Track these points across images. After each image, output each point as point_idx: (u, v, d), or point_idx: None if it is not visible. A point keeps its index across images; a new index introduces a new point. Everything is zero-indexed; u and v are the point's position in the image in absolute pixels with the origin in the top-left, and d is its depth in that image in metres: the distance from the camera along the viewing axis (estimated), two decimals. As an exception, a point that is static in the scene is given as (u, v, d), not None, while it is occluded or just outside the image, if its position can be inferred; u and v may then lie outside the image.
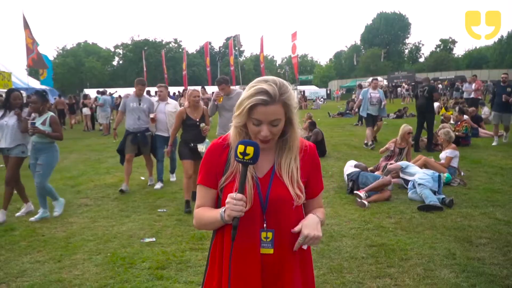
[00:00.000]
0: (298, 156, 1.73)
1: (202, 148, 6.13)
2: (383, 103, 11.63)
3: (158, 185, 7.61)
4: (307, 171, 1.76)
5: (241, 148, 1.57)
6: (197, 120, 6.16)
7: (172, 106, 7.77)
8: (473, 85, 18.06)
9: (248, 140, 1.64)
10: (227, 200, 1.57)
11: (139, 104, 7.36)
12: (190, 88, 5.56)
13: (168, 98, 8.04)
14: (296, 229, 1.65)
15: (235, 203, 1.54)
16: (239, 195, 1.56)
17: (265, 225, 1.67)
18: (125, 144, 7.34)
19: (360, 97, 12.07)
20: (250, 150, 1.57)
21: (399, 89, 39.80)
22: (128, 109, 7.46)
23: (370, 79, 43.54)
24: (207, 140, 6.36)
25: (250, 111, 1.62)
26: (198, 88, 14.45)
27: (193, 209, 1.83)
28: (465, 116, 12.16)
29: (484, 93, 25.39)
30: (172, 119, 7.20)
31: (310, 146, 1.80)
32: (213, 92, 21.85)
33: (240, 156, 1.58)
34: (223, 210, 1.62)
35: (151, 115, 7.35)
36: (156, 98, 8.04)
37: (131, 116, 7.42)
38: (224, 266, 1.68)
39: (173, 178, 8.23)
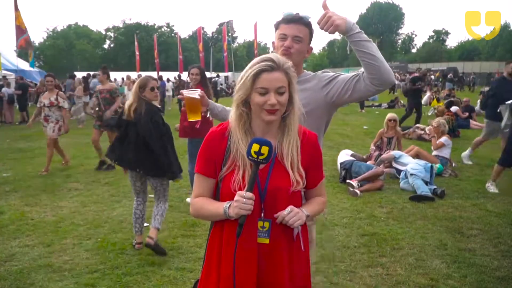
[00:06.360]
0: (298, 139, 1.70)
1: None
2: None
3: None
4: (307, 160, 1.72)
5: (256, 147, 1.53)
6: None
7: None
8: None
9: (262, 138, 1.58)
10: (236, 198, 1.54)
11: None
12: None
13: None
14: (280, 217, 1.62)
15: (244, 201, 1.52)
16: (249, 194, 1.53)
17: (262, 214, 1.64)
18: None
19: None
20: (265, 150, 1.53)
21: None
22: None
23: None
24: None
25: (255, 80, 1.59)
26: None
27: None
28: (453, 108, 12.37)
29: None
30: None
31: (311, 135, 1.77)
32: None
33: (254, 156, 1.53)
34: (228, 205, 1.59)
35: None
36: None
37: None
38: (223, 257, 1.65)
39: None
